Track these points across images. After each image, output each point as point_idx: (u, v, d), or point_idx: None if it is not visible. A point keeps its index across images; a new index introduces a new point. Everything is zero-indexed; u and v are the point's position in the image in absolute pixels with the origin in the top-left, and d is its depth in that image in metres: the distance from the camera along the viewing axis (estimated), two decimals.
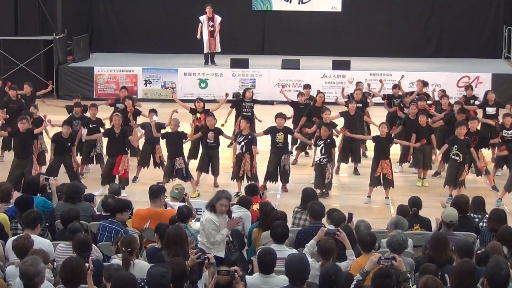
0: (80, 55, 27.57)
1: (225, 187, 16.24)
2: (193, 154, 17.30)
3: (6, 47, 26.06)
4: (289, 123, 17.40)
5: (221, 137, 16.49)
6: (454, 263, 8.71)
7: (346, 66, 26.01)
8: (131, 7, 30.10)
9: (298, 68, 26.10)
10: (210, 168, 16.45)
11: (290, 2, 29.75)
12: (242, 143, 15.81)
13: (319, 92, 18.77)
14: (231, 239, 10.09)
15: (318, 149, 15.74)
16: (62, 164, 15.87)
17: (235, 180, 15.98)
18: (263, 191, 12.61)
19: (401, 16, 29.78)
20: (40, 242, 9.31)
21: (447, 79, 24.96)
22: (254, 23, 30.20)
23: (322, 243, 8.92)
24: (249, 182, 14.91)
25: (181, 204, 11.40)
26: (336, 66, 26.01)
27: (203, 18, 26.13)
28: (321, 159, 15.68)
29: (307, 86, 20.05)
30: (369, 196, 15.69)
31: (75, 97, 18.87)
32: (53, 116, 20.96)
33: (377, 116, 19.02)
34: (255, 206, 11.82)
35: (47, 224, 10.94)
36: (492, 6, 29.53)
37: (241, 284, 7.59)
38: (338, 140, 17.71)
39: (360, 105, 18.38)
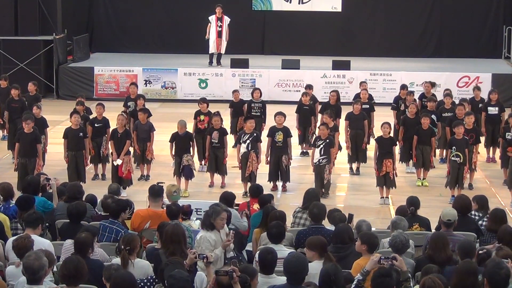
0: (80, 55, 27.55)
1: (231, 186, 16.29)
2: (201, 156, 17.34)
3: (6, 47, 26.04)
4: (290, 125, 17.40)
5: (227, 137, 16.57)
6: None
7: (346, 66, 26.00)
8: (131, 7, 30.08)
9: (298, 68, 26.09)
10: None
11: (290, 2, 29.73)
12: (248, 141, 15.82)
13: (332, 90, 19.30)
14: (235, 254, 9.63)
15: (317, 150, 15.73)
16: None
17: (243, 181, 15.99)
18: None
19: (401, 16, 29.76)
20: (40, 242, 9.31)
21: (447, 79, 24.93)
22: (254, 23, 30.18)
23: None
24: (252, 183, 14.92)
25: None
26: (336, 66, 26.00)
27: (212, 17, 26.07)
28: (321, 160, 15.65)
29: (310, 87, 20.01)
30: (382, 197, 15.68)
31: (79, 96, 18.93)
32: (54, 116, 21.08)
33: (382, 116, 18.96)
34: (256, 206, 11.87)
35: (47, 224, 10.94)
36: (492, 6, 29.50)
37: (239, 284, 7.57)
38: (342, 140, 17.80)
39: (367, 106, 18.39)
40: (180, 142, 16.05)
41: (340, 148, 17.58)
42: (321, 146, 15.62)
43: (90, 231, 9.45)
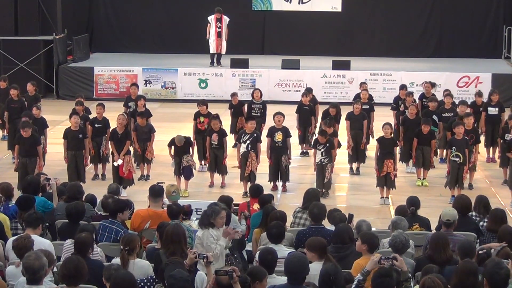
0: (80, 55, 27.55)
1: (230, 186, 16.31)
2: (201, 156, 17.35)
3: (6, 47, 26.04)
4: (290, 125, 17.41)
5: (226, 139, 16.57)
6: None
7: (346, 66, 25.99)
8: (131, 7, 30.09)
9: (298, 68, 26.09)
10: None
11: (290, 2, 29.73)
12: (248, 142, 15.85)
13: (332, 105, 18.29)
14: (230, 252, 9.74)
15: (319, 152, 15.76)
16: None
17: (242, 181, 16.01)
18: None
19: (401, 16, 29.76)
20: (40, 242, 9.31)
21: (447, 79, 24.93)
22: (254, 23, 30.18)
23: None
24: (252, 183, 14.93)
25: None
26: (336, 66, 25.99)
27: (211, 18, 26.07)
28: (322, 160, 15.73)
29: (309, 90, 19.90)
30: (382, 197, 15.70)
31: (78, 96, 18.92)
32: (54, 116, 21.09)
33: (382, 116, 18.97)
34: (256, 206, 11.88)
35: (47, 224, 10.94)
36: (492, 6, 29.50)
37: (239, 284, 7.58)
38: (342, 140, 17.81)
39: (367, 106, 18.39)
40: (180, 148, 16.05)
41: (339, 145, 17.59)
42: (322, 149, 15.70)
43: (87, 229, 9.45)
